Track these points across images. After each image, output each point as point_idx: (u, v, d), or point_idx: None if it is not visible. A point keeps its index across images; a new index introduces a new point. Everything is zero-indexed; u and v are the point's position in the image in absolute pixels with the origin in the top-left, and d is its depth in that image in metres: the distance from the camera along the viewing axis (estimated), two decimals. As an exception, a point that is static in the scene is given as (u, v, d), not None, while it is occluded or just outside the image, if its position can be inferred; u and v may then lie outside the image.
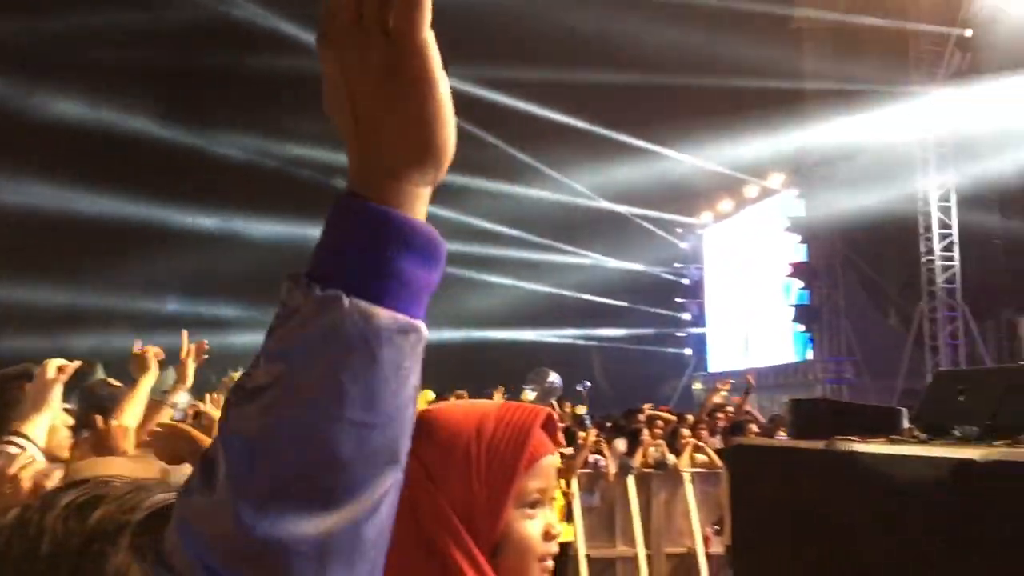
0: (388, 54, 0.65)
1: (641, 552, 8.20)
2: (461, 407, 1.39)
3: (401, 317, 0.64)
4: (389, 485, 0.65)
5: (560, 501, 7.61)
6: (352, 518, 0.63)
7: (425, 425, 1.24)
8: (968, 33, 13.31)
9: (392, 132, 0.66)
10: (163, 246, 16.32)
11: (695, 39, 14.56)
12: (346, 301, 0.63)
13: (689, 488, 8.24)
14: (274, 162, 16.84)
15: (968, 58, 13.39)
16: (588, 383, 12.68)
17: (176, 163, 15.96)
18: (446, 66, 0.68)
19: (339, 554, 0.63)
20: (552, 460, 1.36)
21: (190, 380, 3.05)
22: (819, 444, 4.88)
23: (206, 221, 16.79)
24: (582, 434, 8.53)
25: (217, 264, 16.49)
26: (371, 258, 0.64)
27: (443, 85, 0.67)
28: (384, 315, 0.63)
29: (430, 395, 8.24)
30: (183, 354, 3.02)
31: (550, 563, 1.32)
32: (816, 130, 15.46)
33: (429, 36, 0.66)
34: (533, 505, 1.29)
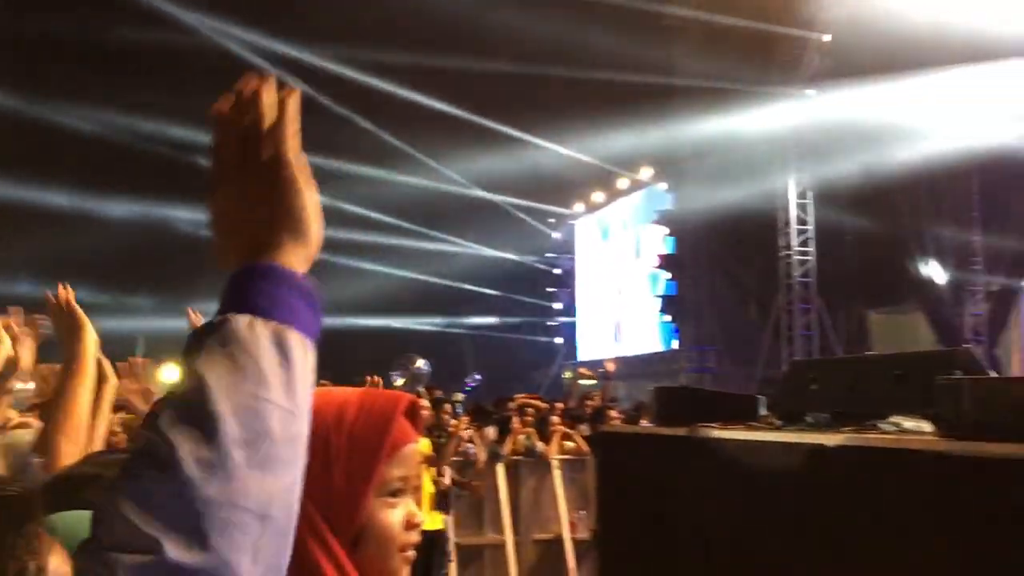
0: (267, 177, 0.87)
1: (509, 539, 8.27)
2: (320, 394, 1.34)
3: (301, 334, 0.84)
4: (299, 474, 0.81)
5: (430, 489, 7.58)
6: (286, 488, 0.79)
7: None
8: (827, 38, 13.94)
9: (272, 226, 0.86)
10: (11, 225, 15.35)
11: (570, 31, 14.73)
12: (264, 321, 0.81)
13: (557, 475, 8.35)
14: (128, 137, 16.01)
15: (827, 62, 14.02)
16: (479, 376, 12.72)
17: (22, 136, 14.98)
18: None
19: (276, 520, 0.77)
20: (415, 448, 1.33)
21: (25, 362, 2.77)
22: (682, 431, 5.02)
23: (58, 199, 15.87)
24: (453, 422, 8.52)
25: (70, 244, 15.60)
26: (276, 294, 0.84)
27: (312, 190, 0.89)
28: (293, 332, 0.83)
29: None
30: (13, 332, 2.69)
31: (412, 553, 1.30)
32: (685, 126, 15.90)
33: (299, 155, 0.89)
34: (395, 494, 1.27)
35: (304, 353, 0.83)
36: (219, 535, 0.72)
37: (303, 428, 0.82)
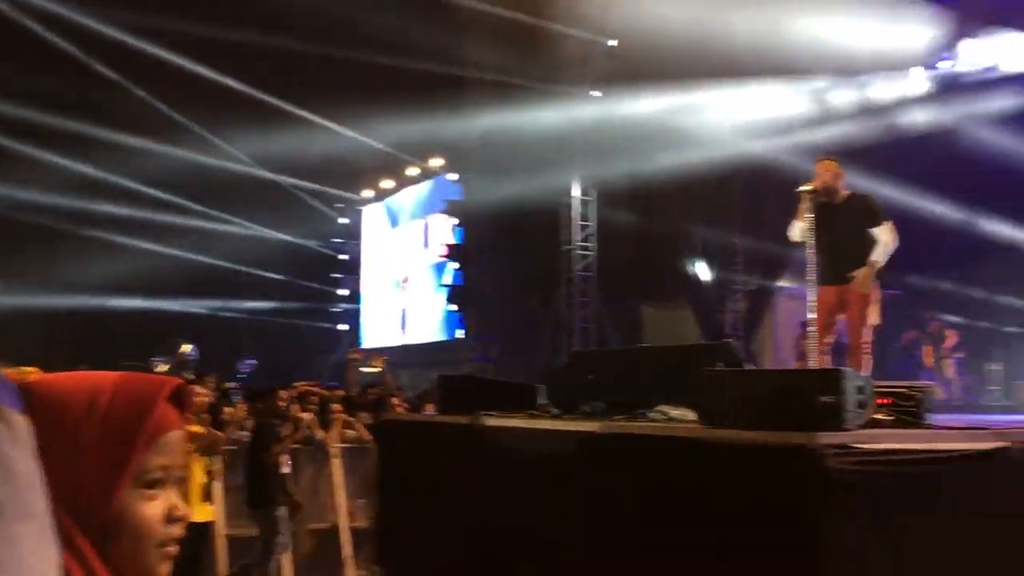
0: None
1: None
2: (73, 378, 1.23)
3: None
4: None
5: (202, 479, 7.25)
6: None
7: (30, 397, 1.09)
8: (613, 43, 14.53)
9: None
10: None
11: (364, 13, 14.48)
12: None
13: (336, 463, 8.21)
14: None
15: (613, 64, 14.62)
16: (254, 361, 12.20)
17: None
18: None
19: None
20: (179, 435, 1.25)
21: None
22: (463, 419, 5.06)
23: None
24: (229, 410, 8.19)
25: None
26: None
27: None
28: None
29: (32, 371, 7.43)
30: None
31: (173, 548, 1.21)
32: (475, 118, 16.07)
33: None
34: (154, 484, 1.19)
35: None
36: None
37: None
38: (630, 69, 14.10)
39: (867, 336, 5.97)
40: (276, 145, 17.44)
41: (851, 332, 6.02)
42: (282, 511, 7.49)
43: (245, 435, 8.05)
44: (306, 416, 8.21)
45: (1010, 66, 14.88)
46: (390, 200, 24.17)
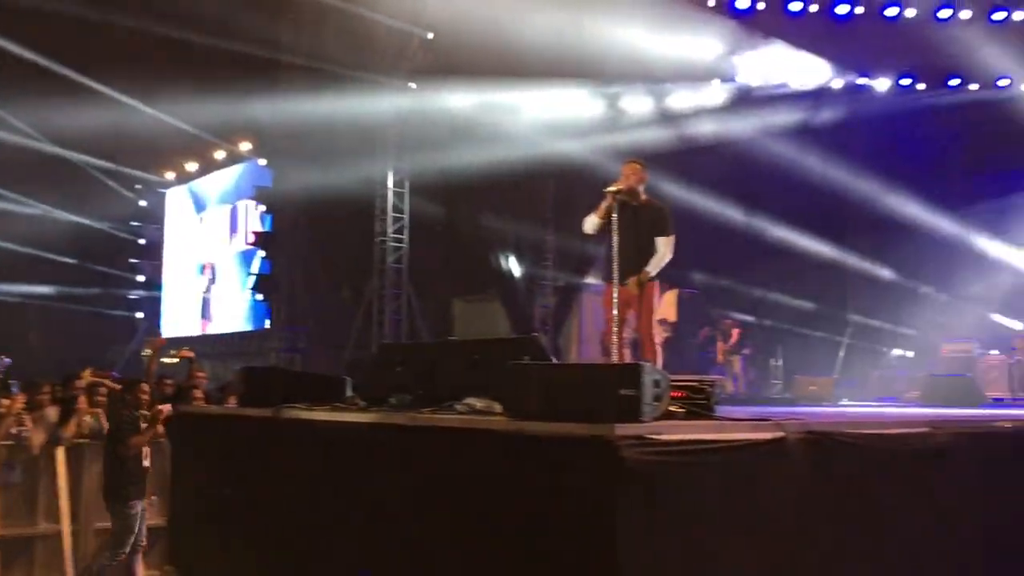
0: None
1: (66, 529, 7.54)
2: None
3: None
4: None
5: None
6: None
7: None
8: (430, 35, 14.50)
9: None
10: None
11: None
12: None
13: (128, 459, 7.73)
14: None
15: (429, 57, 14.58)
16: (8, 361, 11.27)
17: None
18: None
19: None
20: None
21: None
22: (267, 411, 4.92)
23: None
24: (5, 402, 7.58)
25: None
26: None
27: None
28: None
29: None
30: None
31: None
32: (288, 103, 15.59)
33: None
34: None
35: None
36: None
37: None
38: (447, 63, 14.13)
39: (653, 330, 6.26)
40: (66, 119, 16.20)
41: (638, 327, 6.31)
42: (138, 506, 6.99)
43: (24, 430, 7.47)
44: (85, 408, 7.72)
45: (798, 84, 16.10)
46: (195, 183, 23.09)
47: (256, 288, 18.32)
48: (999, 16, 13.81)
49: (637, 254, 6.10)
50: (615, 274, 5.90)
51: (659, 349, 6.28)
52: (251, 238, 18.75)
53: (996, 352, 16.15)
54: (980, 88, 15.91)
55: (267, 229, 18.11)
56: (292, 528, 4.53)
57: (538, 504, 3.35)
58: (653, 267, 6.32)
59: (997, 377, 15.75)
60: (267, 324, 18.36)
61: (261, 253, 18.35)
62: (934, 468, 4.21)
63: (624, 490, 3.12)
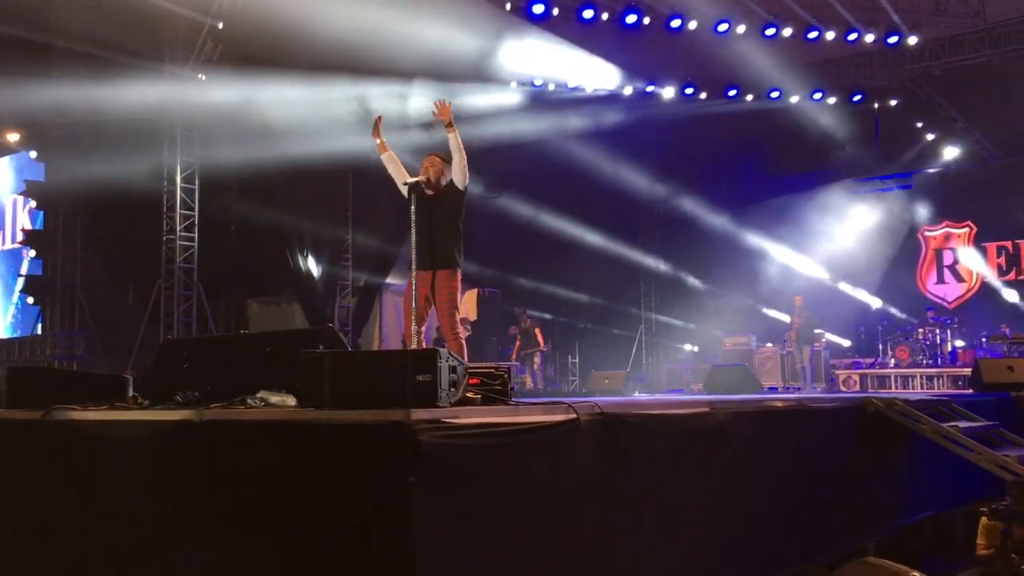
0: None
1: None
2: None
3: None
4: None
5: None
6: None
7: None
8: (220, 25, 13.92)
9: None
10: None
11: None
12: None
13: None
14: None
15: (219, 48, 14.01)
16: None
17: None
18: None
19: None
20: None
21: None
22: (35, 414, 4.52)
23: None
24: None
25: None
26: None
27: None
28: None
29: None
30: None
31: None
32: (62, 91, 14.50)
33: None
34: None
35: None
36: None
37: None
38: (238, 53, 13.64)
39: (456, 324, 6.28)
40: None
41: (439, 316, 6.32)
42: None
43: None
44: None
45: (590, 88, 16.72)
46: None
47: (26, 291, 16.91)
48: (770, 32, 14.90)
49: (432, 245, 6.10)
50: (413, 263, 5.87)
51: (463, 344, 6.29)
52: (19, 236, 17.31)
53: (771, 345, 17.48)
54: (755, 99, 17.12)
55: (39, 227, 16.77)
56: (66, 532, 4.19)
57: (335, 494, 3.27)
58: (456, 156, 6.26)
59: (772, 367, 17.07)
60: (39, 329, 16.97)
61: (31, 252, 16.96)
62: (715, 443, 4.47)
63: (421, 474, 3.09)
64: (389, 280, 17.52)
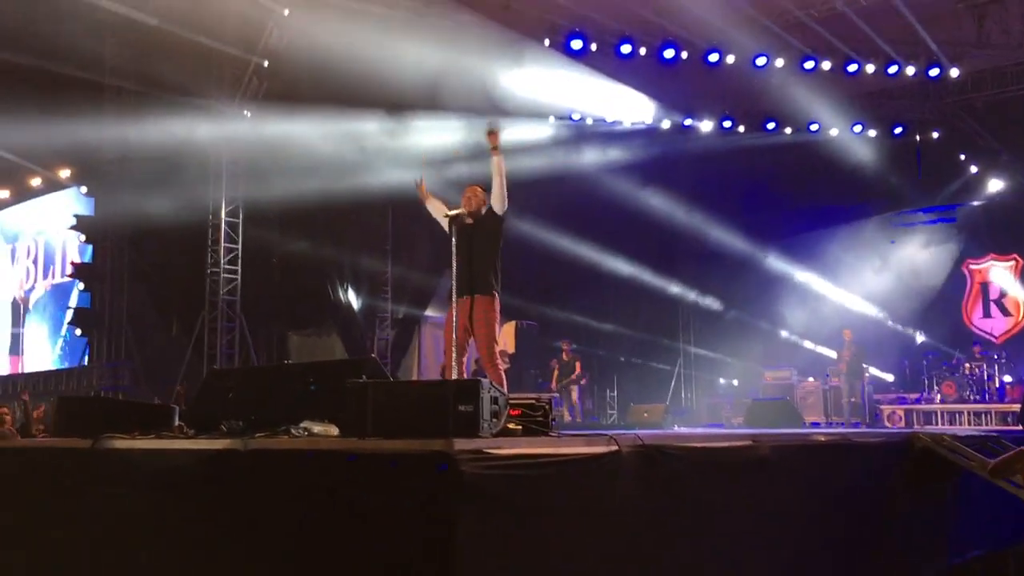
0: None
1: None
2: None
3: None
4: None
5: None
6: None
7: None
8: (266, 63, 14.23)
9: None
10: None
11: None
12: None
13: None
14: None
15: (264, 86, 14.30)
16: None
17: None
18: None
19: None
20: None
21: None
22: (84, 443, 4.61)
23: None
24: None
25: None
26: None
27: None
28: None
29: None
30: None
31: None
32: (113, 128, 14.87)
33: None
34: None
35: None
36: None
37: None
38: (283, 90, 13.90)
39: (496, 356, 6.29)
40: None
41: (478, 346, 6.34)
42: None
43: None
44: None
45: (629, 123, 16.80)
46: (7, 212, 21.62)
47: (74, 323, 17.24)
48: (809, 65, 14.87)
49: (471, 272, 6.15)
50: (453, 292, 5.93)
51: (503, 375, 6.30)
52: (69, 270, 17.69)
53: (812, 379, 17.23)
54: (794, 131, 17.06)
55: (87, 260, 17.12)
56: (110, 566, 4.25)
57: (379, 522, 3.29)
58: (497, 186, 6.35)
59: (814, 402, 16.79)
60: (86, 361, 17.27)
61: (80, 286, 17.31)
62: (757, 477, 4.42)
63: (464, 504, 3.10)
64: (428, 312, 17.61)
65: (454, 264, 5.82)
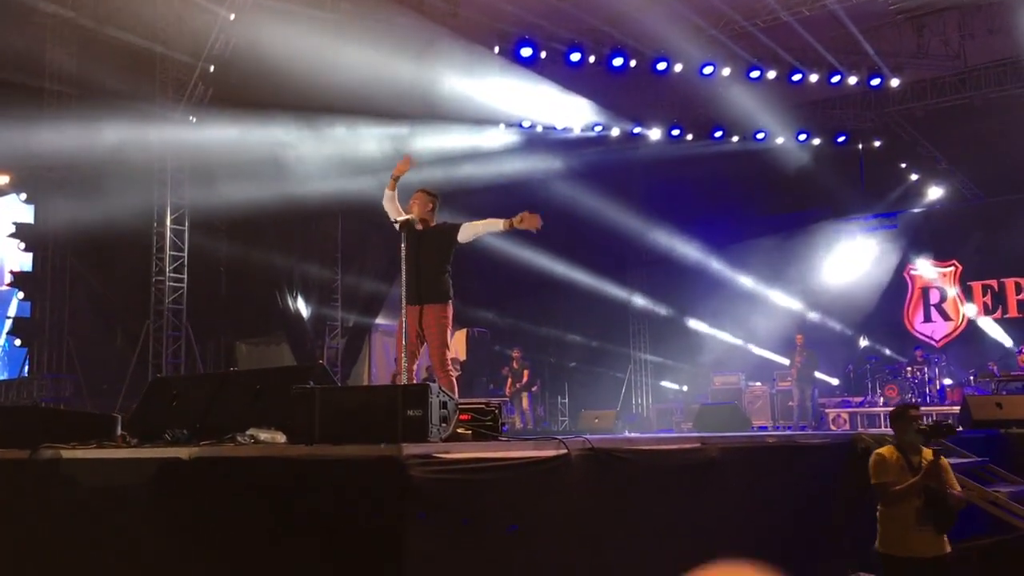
0: None
1: None
2: None
3: None
4: None
5: None
6: None
7: None
8: (212, 68, 14.05)
9: None
10: None
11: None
12: None
13: None
14: None
15: (210, 91, 14.11)
16: None
17: None
18: None
19: None
20: None
21: None
22: (23, 453, 4.50)
23: None
24: None
25: None
26: None
27: None
28: None
29: None
30: None
31: None
32: (53, 133, 14.55)
33: None
34: None
35: None
36: None
37: None
38: (229, 96, 13.74)
39: (448, 362, 6.25)
40: None
41: (430, 353, 6.29)
42: None
43: None
44: None
45: (578, 128, 16.91)
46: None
47: (13, 332, 16.81)
48: (755, 74, 15.12)
49: (419, 279, 6.11)
50: (403, 298, 5.89)
51: (454, 381, 6.27)
52: (8, 278, 17.23)
53: (760, 383, 17.48)
54: (740, 139, 17.32)
55: (27, 268, 16.71)
56: (52, 568, 4.15)
57: (328, 528, 3.26)
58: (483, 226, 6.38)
59: (762, 406, 17.03)
60: (25, 372, 16.84)
61: (20, 295, 16.89)
62: (705, 478, 4.47)
63: (413, 508, 3.08)
64: (378, 320, 17.50)
65: (403, 270, 5.80)
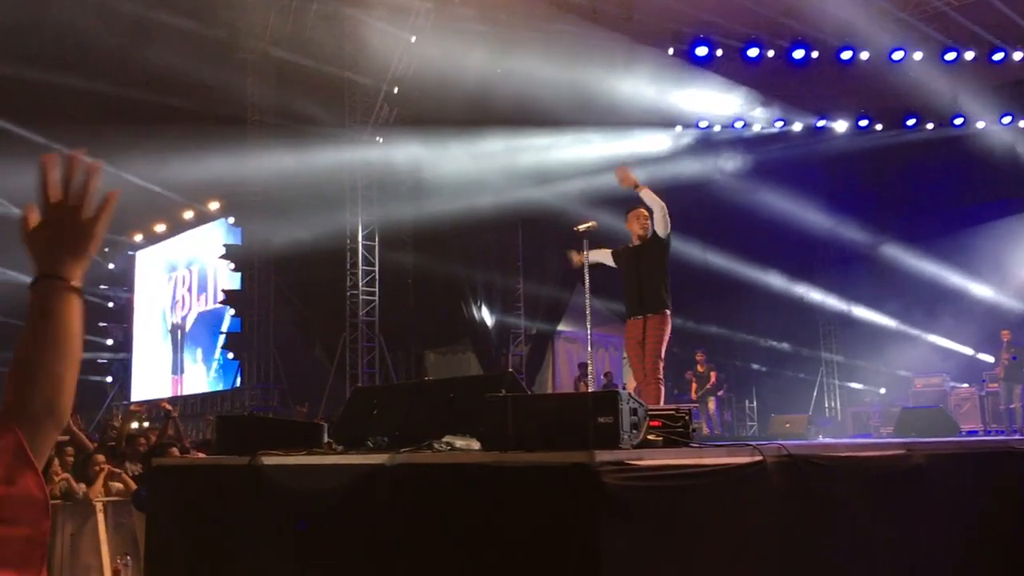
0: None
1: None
2: None
3: None
4: None
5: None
6: None
7: None
8: (395, 90, 14.68)
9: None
10: None
11: (136, 50, 13.81)
12: None
13: (101, 519, 7.59)
14: None
15: (394, 111, 14.75)
16: None
17: None
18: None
19: None
20: None
21: None
22: (242, 460, 4.85)
23: None
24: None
25: None
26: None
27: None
28: None
29: None
30: None
31: None
32: (255, 160, 15.65)
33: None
34: None
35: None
36: None
37: None
38: (412, 115, 14.29)
39: (658, 367, 6.35)
40: (31, 182, 16.11)
41: (645, 360, 6.41)
42: None
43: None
44: (55, 470, 7.58)
45: (758, 126, 16.43)
46: (164, 244, 23.00)
47: (226, 347, 18.16)
48: (951, 56, 14.20)
49: (642, 292, 6.33)
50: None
51: (662, 388, 6.37)
52: (221, 297, 18.64)
53: (967, 385, 16.32)
54: (936, 127, 16.30)
55: (237, 287, 18.02)
56: (269, 570, 4.45)
57: (522, 534, 3.33)
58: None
59: (970, 409, 15.89)
60: (238, 382, 18.16)
61: (231, 311, 18.23)
62: (912, 486, 4.24)
63: (607, 516, 3.10)
64: (560, 327, 17.66)
65: (586, 283, 5.91)
